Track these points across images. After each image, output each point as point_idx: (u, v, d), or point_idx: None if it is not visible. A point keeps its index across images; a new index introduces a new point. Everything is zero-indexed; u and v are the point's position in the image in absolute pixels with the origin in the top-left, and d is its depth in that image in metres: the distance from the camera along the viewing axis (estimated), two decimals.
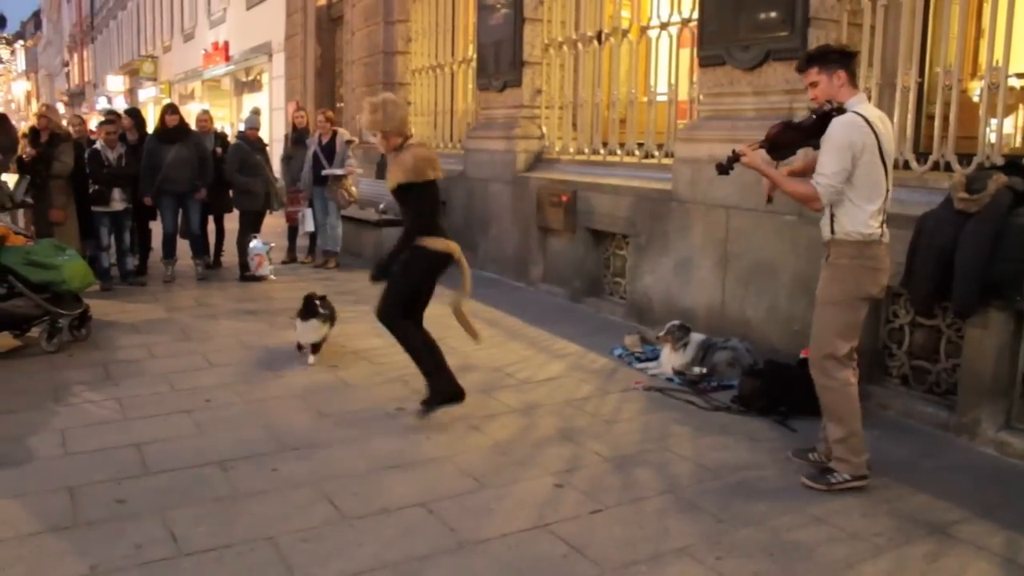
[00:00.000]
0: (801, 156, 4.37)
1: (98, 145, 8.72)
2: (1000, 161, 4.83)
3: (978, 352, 4.63)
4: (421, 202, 4.93)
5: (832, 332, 4.06)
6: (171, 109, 9.45)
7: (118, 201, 8.69)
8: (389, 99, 5.00)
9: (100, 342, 6.71)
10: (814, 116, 4.03)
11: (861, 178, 3.90)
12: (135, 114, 10.09)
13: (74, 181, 8.38)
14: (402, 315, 4.98)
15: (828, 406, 4.13)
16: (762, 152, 4.19)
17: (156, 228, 9.66)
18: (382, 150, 5.10)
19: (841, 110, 3.95)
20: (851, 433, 4.06)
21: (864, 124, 3.89)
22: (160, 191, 9.04)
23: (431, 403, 4.92)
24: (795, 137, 4.13)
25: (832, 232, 4.01)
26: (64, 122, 9.86)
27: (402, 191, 4.86)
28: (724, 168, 4.15)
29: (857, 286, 4.02)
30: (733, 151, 4.10)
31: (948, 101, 5.17)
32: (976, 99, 5.37)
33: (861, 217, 3.93)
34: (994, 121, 5.03)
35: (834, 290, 4.04)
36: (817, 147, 4.04)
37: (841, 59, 4.01)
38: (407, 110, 5.24)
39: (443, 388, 4.95)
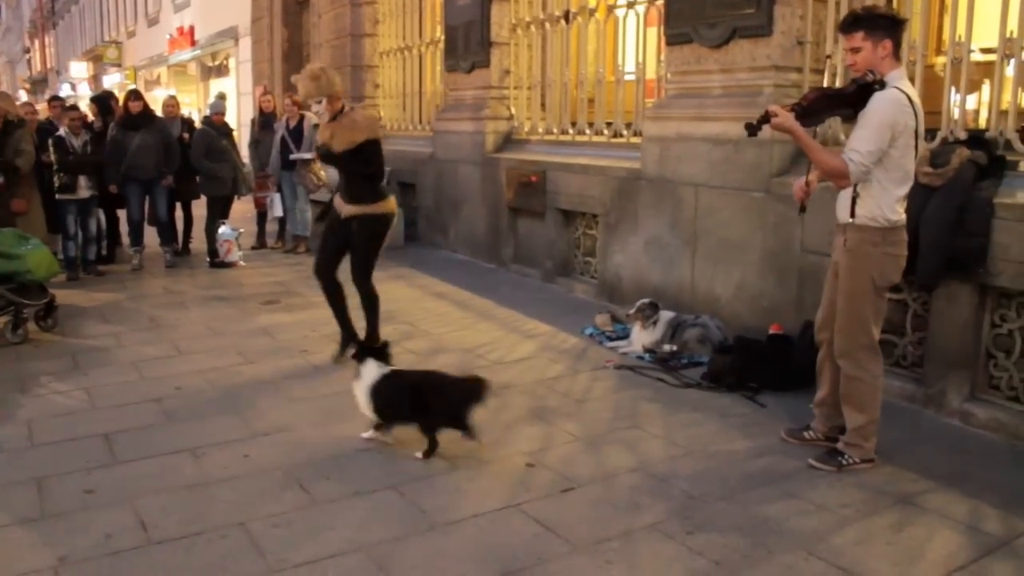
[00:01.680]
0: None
1: (62, 132, 8.59)
2: (963, 136, 4.88)
3: (943, 325, 4.69)
4: (379, 159, 5.38)
5: (865, 322, 3.94)
6: (134, 95, 9.32)
7: (84, 189, 8.56)
8: (326, 67, 5.48)
9: (67, 331, 6.63)
10: (855, 85, 3.80)
11: (895, 160, 3.75)
12: (100, 100, 9.94)
13: (36, 169, 8.25)
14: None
15: (853, 396, 4.03)
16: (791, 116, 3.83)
17: (123, 216, 9.55)
18: (321, 119, 5.43)
19: (882, 83, 3.75)
20: (870, 421, 4.02)
21: (907, 103, 3.73)
22: (126, 178, 8.93)
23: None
24: (829, 105, 3.91)
25: (852, 215, 3.87)
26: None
27: (357, 151, 5.24)
28: (753, 128, 3.86)
29: (882, 274, 3.90)
30: (765, 111, 3.82)
31: (913, 76, 5.19)
32: (941, 74, 5.40)
33: (888, 201, 3.79)
34: (958, 96, 5.06)
35: (861, 280, 3.90)
36: (847, 118, 3.86)
37: (890, 27, 3.78)
38: None
39: (378, 338, 5.49)
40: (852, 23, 3.83)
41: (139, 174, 8.98)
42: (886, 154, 3.73)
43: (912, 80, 5.12)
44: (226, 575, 3.14)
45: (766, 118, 3.81)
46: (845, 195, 3.93)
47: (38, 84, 51.61)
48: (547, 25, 8.61)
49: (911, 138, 3.78)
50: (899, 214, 3.86)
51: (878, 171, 3.76)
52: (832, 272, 4.16)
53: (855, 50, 3.81)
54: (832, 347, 4.16)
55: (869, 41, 3.76)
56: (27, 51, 58.68)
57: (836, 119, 5.19)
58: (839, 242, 4.04)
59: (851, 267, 3.94)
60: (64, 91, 40.15)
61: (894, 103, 3.72)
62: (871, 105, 3.74)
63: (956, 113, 5.03)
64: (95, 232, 8.97)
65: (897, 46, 3.84)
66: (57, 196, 8.46)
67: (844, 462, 4.02)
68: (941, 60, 5.78)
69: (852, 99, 3.82)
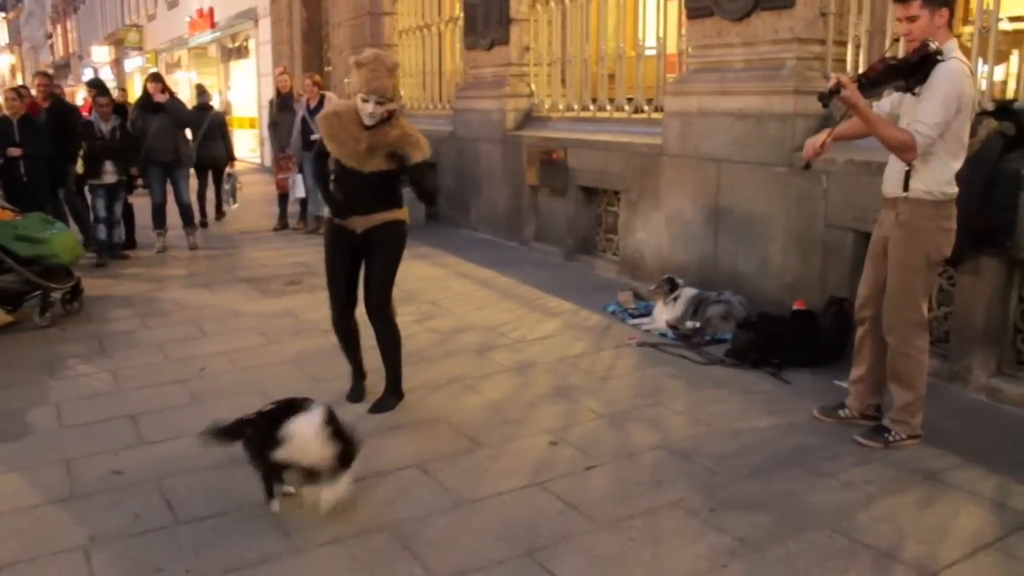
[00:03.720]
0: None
1: (92, 117, 8.71)
2: (991, 107, 4.79)
3: (970, 300, 4.64)
4: (433, 184, 4.57)
5: (916, 298, 3.90)
6: (154, 78, 9.36)
7: (110, 173, 8.65)
8: (391, 56, 4.36)
9: (93, 315, 6.70)
10: (917, 55, 3.68)
11: (954, 132, 3.69)
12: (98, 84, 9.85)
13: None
14: None
15: (901, 372, 3.99)
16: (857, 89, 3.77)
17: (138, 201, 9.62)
18: (369, 120, 4.19)
19: (941, 53, 3.64)
20: (918, 398, 3.99)
21: (969, 74, 3.67)
22: (146, 161, 8.99)
23: (393, 403, 4.62)
24: (891, 76, 3.75)
25: (906, 188, 3.79)
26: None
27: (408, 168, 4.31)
28: (825, 99, 3.76)
29: (936, 249, 3.84)
30: (837, 81, 3.70)
31: None
32: (968, 44, 5.31)
33: (946, 175, 3.74)
34: (986, 67, 4.98)
35: (914, 255, 3.84)
36: (905, 89, 3.77)
37: None
38: None
39: (400, 385, 4.68)
40: None
41: (159, 156, 9.03)
42: (947, 126, 3.66)
43: None
44: (251, 554, 3.17)
45: (836, 89, 3.71)
46: (896, 168, 3.86)
47: (61, 69, 51.89)
48: (566, 0, 8.54)
49: (969, 110, 3.72)
50: (954, 187, 3.79)
51: (938, 143, 3.68)
52: (877, 248, 4.07)
53: (911, 19, 3.71)
54: (874, 325, 4.10)
55: (927, 9, 3.67)
56: (49, 36, 58.98)
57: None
58: (889, 217, 3.95)
59: (905, 241, 3.86)
60: (87, 75, 40.33)
61: (960, 74, 3.64)
62: (936, 76, 3.64)
63: (983, 84, 4.94)
64: (120, 216, 9.02)
65: (952, 15, 3.76)
66: (88, 181, 8.63)
67: (891, 439, 3.99)
68: (968, 30, 5.67)
69: (913, 69, 3.71)
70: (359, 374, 4.79)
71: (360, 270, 4.57)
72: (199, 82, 15.12)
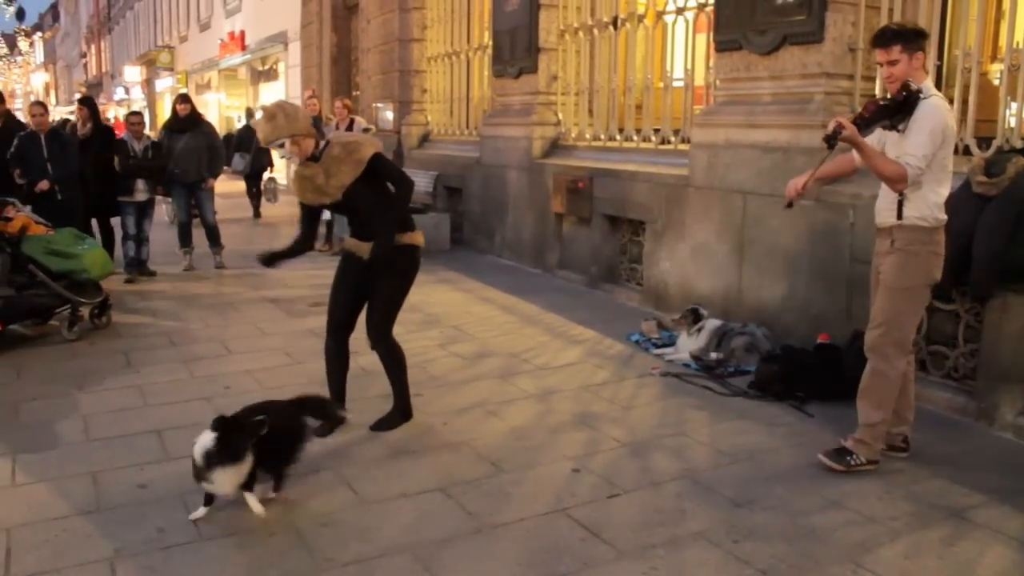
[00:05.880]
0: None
1: (125, 136, 8.85)
2: (1020, 144, 4.80)
3: (997, 337, 4.61)
4: (397, 168, 4.55)
5: (904, 319, 4.03)
6: (182, 99, 9.52)
7: (141, 192, 8.79)
8: (286, 103, 4.52)
9: (120, 330, 6.78)
10: (902, 95, 3.87)
11: (940, 162, 3.87)
12: (89, 103, 9.78)
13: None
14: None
15: (874, 391, 4.06)
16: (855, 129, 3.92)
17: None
18: (295, 159, 4.41)
19: (921, 92, 3.84)
20: (884, 420, 4.07)
21: (949, 109, 3.90)
22: (171, 181, 9.11)
23: (396, 422, 4.66)
24: (882, 115, 3.95)
25: (899, 217, 3.94)
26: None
27: (366, 176, 4.32)
28: (832, 141, 3.89)
29: (927, 273, 3.98)
30: (838, 123, 3.85)
31: (967, 84, 5.13)
32: (996, 82, 5.31)
33: (937, 201, 3.91)
34: (1015, 104, 4.98)
35: (906, 278, 3.98)
36: (890, 127, 3.93)
37: (921, 40, 3.94)
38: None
39: (408, 407, 4.74)
40: (891, 37, 3.93)
41: (183, 177, 9.15)
42: (934, 157, 3.82)
43: (967, 87, 5.10)
44: (274, 572, 3.19)
45: (838, 132, 3.83)
46: (888, 199, 4.00)
47: (94, 88, 52.73)
48: (595, 31, 8.62)
49: (952, 141, 3.93)
50: (943, 213, 3.95)
51: (925, 173, 3.83)
52: (876, 277, 4.18)
53: (892, 63, 3.91)
54: None
55: (906, 54, 3.88)
56: (84, 55, 60.02)
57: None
58: (883, 245, 4.08)
59: (900, 265, 3.98)
60: (119, 94, 41.00)
61: (942, 109, 3.86)
62: (921, 112, 3.83)
63: (1012, 121, 4.94)
64: (148, 233, 9.13)
65: (926, 58, 4.01)
66: (118, 198, 8.75)
67: (852, 462, 4.05)
68: (996, 67, 5.68)
69: (899, 108, 3.89)
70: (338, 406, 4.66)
71: (365, 299, 4.59)
72: (248, 106, 18.79)
